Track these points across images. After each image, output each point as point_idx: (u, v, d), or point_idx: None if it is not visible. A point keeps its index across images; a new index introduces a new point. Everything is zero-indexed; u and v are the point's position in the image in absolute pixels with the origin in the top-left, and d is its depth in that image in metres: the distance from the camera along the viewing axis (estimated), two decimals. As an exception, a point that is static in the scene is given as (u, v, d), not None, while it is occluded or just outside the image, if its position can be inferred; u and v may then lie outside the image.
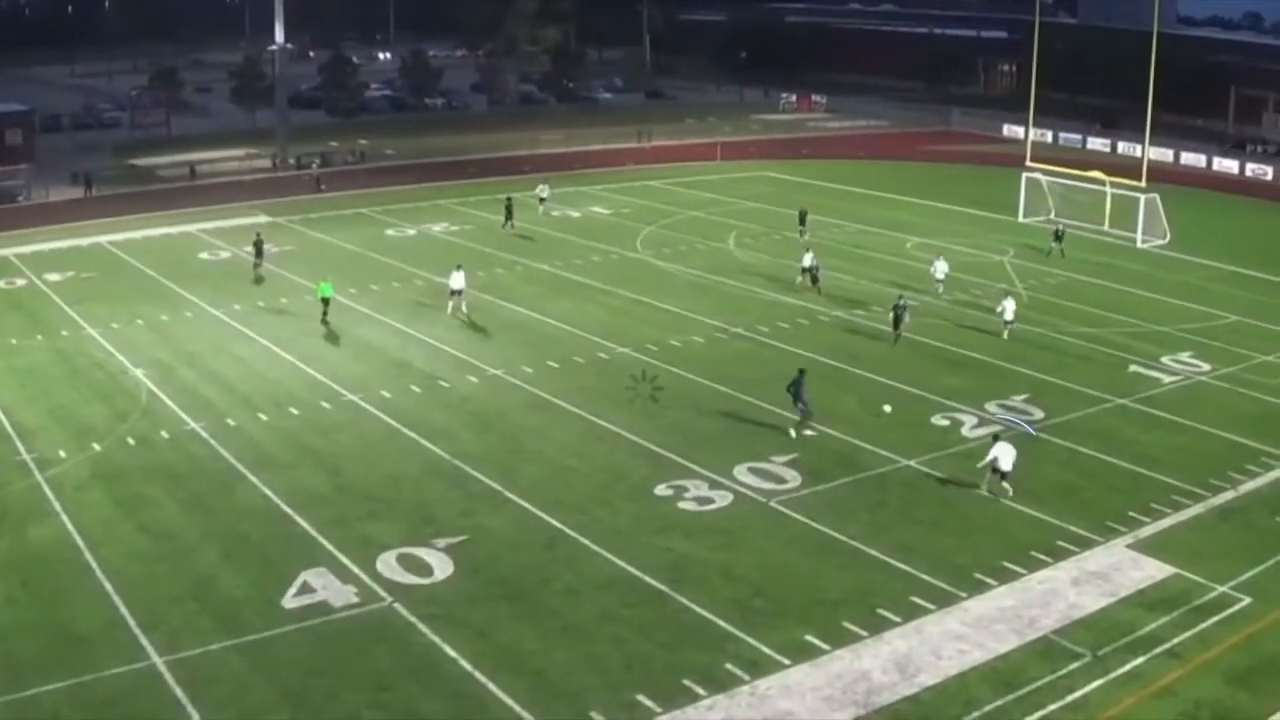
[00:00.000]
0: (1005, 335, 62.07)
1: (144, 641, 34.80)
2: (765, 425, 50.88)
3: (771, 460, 46.99)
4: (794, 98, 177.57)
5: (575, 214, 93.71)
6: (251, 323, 66.28)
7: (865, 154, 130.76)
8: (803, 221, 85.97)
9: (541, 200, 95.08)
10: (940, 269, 70.27)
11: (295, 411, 52.95)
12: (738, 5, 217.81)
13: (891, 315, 61.45)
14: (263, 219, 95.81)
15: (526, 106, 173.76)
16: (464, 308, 66.79)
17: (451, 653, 34.14)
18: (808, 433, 49.13)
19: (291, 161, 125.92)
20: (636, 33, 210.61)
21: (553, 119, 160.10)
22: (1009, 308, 62.18)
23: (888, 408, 50.34)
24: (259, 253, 77.27)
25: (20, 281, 77.35)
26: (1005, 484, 44.25)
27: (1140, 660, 33.58)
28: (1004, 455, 44.10)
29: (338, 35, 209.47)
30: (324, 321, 65.12)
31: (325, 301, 65.58)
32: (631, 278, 75.44)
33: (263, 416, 52.52)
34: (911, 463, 47.09)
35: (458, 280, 67.27)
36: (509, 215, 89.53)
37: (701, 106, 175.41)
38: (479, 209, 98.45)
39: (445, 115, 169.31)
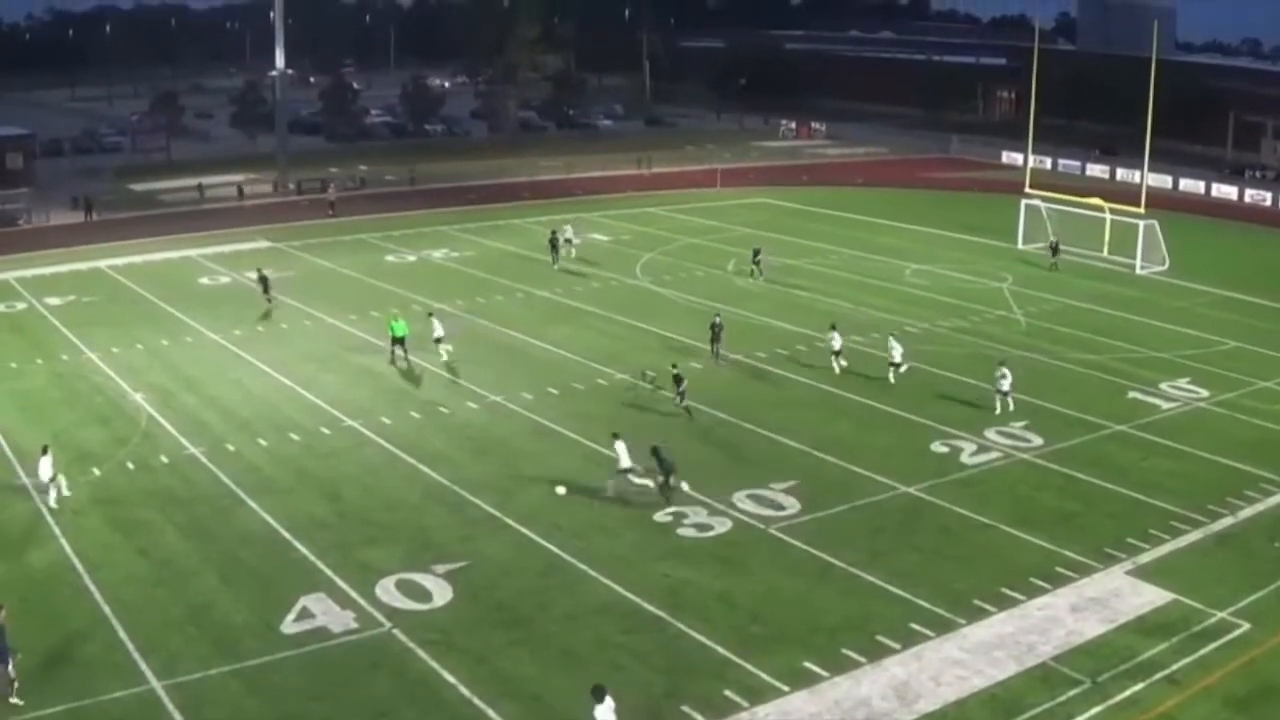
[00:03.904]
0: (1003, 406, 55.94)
1: (142, 666, 34.86)
2: (764, 452, 50.91)
3: (770, 487, 46.94)
4: (793, 125, 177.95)
5: (576, 241, 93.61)
6: (251, 348, 66.30)
7: (864, 180, 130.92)
8: (755, 259, 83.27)
9: (568, 241, 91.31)
10: (897, 352, 60.90)
11: (295, 437, 52.99)
12: (737, 32, 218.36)
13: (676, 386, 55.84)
14: (263, 244, 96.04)
15: (526, 133, 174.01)
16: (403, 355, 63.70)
17: (450, 678, 34.16)
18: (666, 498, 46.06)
19: (291, 187, 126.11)
20: (636, 60, 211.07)
21: (553, 146, 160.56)
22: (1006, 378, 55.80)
23: (560, 490, 46.72)
24: (265, 287, 75.90)
25: (20, 305, 77.41)
26: (632, 479, 45.90)
27: (1139, 686, 33.53)
28: (621, 452, 45.86)
29: (338, 61, 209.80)
30: (394, 363, 63.46)
31: (398, 341, 63.66)
32: (631, 304, 75.52)
33: (262, 441, 52.53)
34: (910, 489, 47.04)
35: (437, 329, 64.51)
36: (554, 249, 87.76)
37: (701, 133, 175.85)
38: (479, 235, 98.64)
39: (445, 142, 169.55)
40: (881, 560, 41.14)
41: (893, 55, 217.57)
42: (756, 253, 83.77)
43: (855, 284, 79.85)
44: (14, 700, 33.15)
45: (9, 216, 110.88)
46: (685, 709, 32.53)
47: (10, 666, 33.40)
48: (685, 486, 46.40)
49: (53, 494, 46.37)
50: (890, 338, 60.96)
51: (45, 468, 46.60)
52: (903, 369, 59.28)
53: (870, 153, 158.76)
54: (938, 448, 51.16)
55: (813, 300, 75.97)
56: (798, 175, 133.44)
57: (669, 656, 35.37)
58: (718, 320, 63.68)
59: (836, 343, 61.18)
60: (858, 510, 45.36)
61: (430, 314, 67.18)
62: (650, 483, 46.02)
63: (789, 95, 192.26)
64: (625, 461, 45.96)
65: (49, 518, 44.98)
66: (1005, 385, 55.56)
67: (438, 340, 64.20)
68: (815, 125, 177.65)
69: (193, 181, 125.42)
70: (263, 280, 76.45)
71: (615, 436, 46.82)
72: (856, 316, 71.02)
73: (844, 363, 61.02)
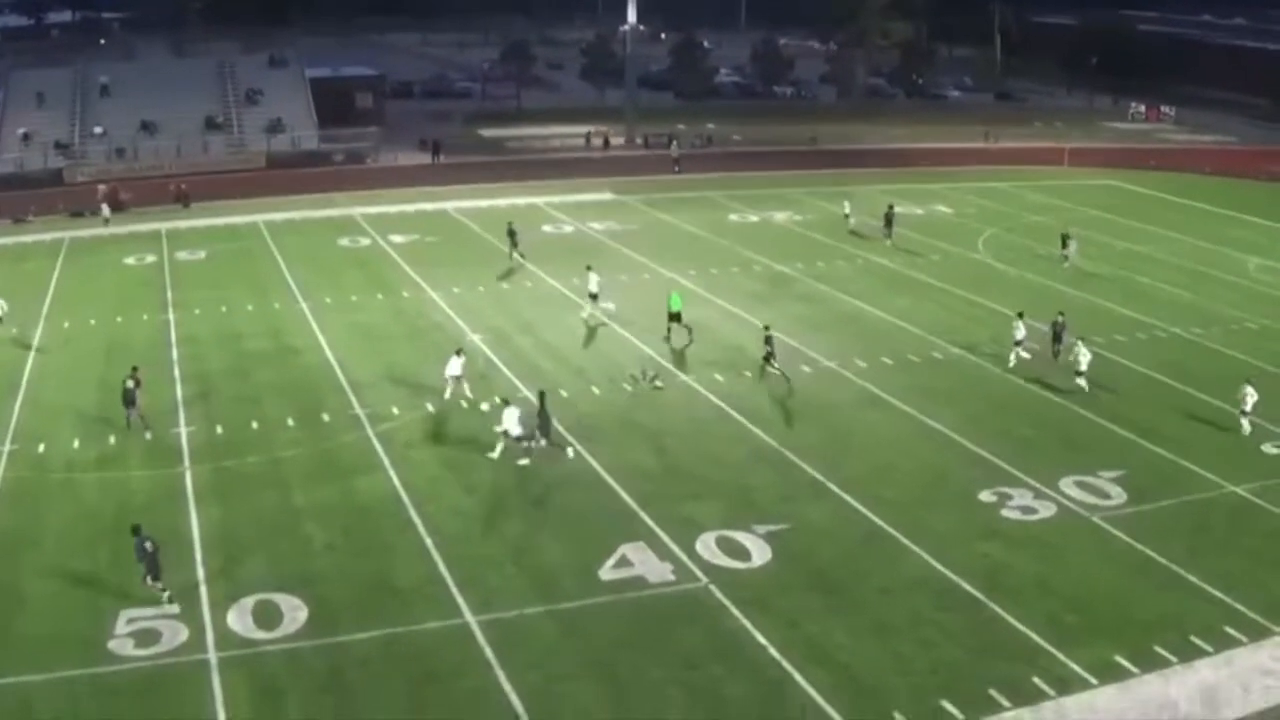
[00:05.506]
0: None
1: (459, 599, 35.67)
2: (1096, 437, 49.41)
3: (1099, 475, 45.46)
4: (1143, 107, 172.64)
5: (919, 211, 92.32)
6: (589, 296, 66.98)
7: (1211, 169, 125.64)
8: (1065, 245, 79.34)
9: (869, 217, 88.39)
10: (1019, 331, 58.53)
11: (627, 387, 53.56)
12: (1090, 10, 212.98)
13: None
14: (607, 195, 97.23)
15: (874, 100, 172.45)
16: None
17: (760, 639, 34.03)
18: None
19: (639, 141, 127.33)
20: (987, 32, 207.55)
21: (900, 114, 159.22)
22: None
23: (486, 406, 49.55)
24: (514, 242, 75.83)
25: (364, 241, 79.75)
26: (528, 444, 45.14)
27: None
28: (509, 419, 45.19)
29: (689, 19, 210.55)
30: (667, 338, 60.69)
31: (674, 316, 60.49)
32: (970, 279, 73.98)
33: (595, 390, 53.19)
34: (1239, 489, 44.86)
35: (593, 283, 64.18)
36: (889, 224, 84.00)
37: (1050, 110, 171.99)
38: (823, 200, 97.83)
39: (792, 104, 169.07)
40: (1202, 559, 39.42)
41: (1244, 43, 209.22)
42: (1065, 239, 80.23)
43: (1198, 275, 76.60)
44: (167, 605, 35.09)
45: (357, 154, 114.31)
46: (992, 692, 31.80)
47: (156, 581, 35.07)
48: (569, 453, 46.36)
49: (448, 390, 50.44)
50: (1079, 343, 56.17)
51: (455, 366, 50.43)
52: (1082, 380, 54.57)
53: (1218, 141, 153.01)
54: (1269, 449, 48.62)
55: (1154, 288, 73.17)
56: (1145, 159, 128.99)
57: (981, 637, 34.64)
58: (1060, 319, 59.54)
59: (1020, 333, 57.91)
60: (1184, 506, 43.59)
61: (589, 268, 66.10)
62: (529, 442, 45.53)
63: (1139, 76, 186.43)
64: (511, 427, 45.33)
65: (379, 448, 46.17)
66: (1248, 405, 50.81)
67: (593, 296, 63.98)
68: (1164, 109, 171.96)
69: (540, 130, 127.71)
70: (511, 235, 76.57)
71: (505, 403, 46.49)
72: (1195, 307, 68.43)
73: (1025, 355, 57.99)
